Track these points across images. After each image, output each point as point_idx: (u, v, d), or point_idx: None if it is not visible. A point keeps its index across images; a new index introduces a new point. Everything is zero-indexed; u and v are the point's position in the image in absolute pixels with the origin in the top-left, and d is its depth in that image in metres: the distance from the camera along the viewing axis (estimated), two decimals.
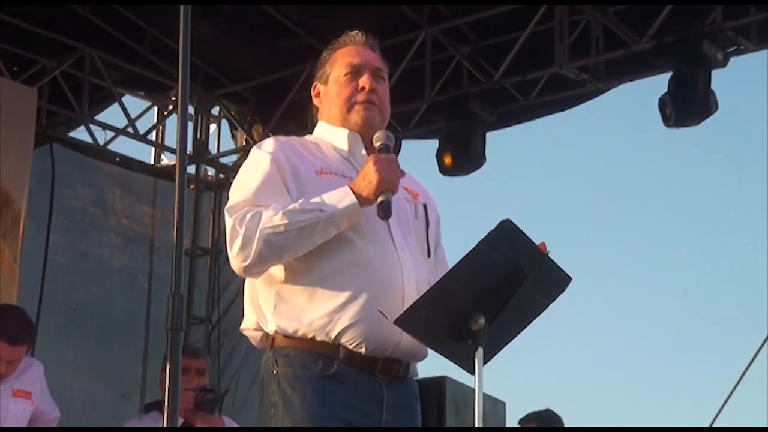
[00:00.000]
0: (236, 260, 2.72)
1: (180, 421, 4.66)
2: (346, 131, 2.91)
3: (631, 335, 11.71)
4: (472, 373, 2.72)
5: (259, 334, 2.85)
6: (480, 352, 2.70)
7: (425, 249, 2.90)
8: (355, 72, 2.92)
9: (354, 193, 2.73)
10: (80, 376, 7.79)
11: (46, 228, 7.72)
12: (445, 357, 2.78)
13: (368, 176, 2.73)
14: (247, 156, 2.90)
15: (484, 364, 2.71)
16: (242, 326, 2.91)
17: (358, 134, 2.90)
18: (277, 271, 2.77)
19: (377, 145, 2.82)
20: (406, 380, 2.84)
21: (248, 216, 2.71)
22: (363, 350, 2.72)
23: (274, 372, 2.75)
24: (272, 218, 2.69)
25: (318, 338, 2.73)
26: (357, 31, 3.00)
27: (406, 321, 2.67)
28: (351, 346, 2.72)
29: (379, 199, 2.72)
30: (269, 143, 2.87)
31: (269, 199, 2.74)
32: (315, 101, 3.02)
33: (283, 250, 2.70)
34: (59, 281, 7.77)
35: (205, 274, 8.54)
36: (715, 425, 6.49)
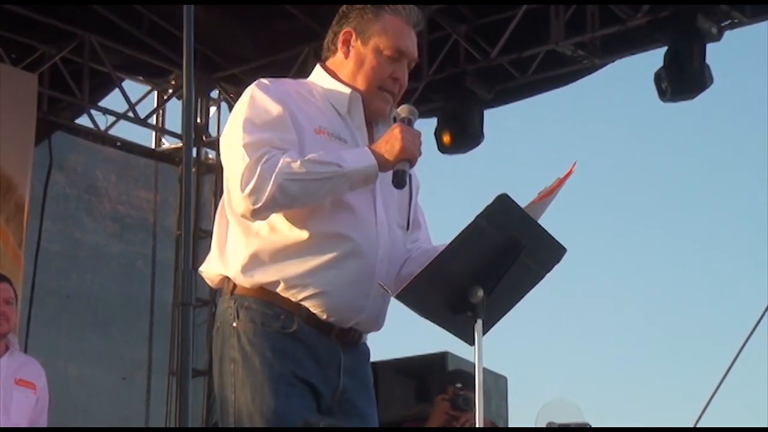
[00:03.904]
0: (246, 200, 2.67)
1: None
2: (349, 90, 2.85)
3: (629, 310, 11.79)
4: (472, 344, 2.78)
5: (219, 277, 2.84)
6: (479, 323, 2.75)
7: (405, 222, 2.91)
8: (398, 57, 2.85)
9: (374, 154, 2.72)
10: (74, 361, 7.84)
11: (39, 216, 7.73)
12: (445, 329, 2.83)
13: (392, 141, 2.72)
14: None
15: (483, 335, 2.77)
16: (202, 267, 2.87)
17: (360, 96, 2.85)
18: (257, 224, 2.75)
19: (402, 116, 2.80)
20: (359, 345, 2.87)
21: (265, 157, 2.66)
22: (324, 317, 2.75)
23: (234, 324, 2.76)
24: (290, 164, 2.65)
25: (283, 295, 2.74)
26: (413, 8, 2.89)
27: (406, 295, 2.71)
28: (314, 311, 2.74)
29: (397, 167, 2.73)
30: (269, 87, 2.78)
31: (285, 143, 2.71)
32: (340, 45, 2.88)
33: (296, 198, 2.67)
34: (52, 269, 7.79)
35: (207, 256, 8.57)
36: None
